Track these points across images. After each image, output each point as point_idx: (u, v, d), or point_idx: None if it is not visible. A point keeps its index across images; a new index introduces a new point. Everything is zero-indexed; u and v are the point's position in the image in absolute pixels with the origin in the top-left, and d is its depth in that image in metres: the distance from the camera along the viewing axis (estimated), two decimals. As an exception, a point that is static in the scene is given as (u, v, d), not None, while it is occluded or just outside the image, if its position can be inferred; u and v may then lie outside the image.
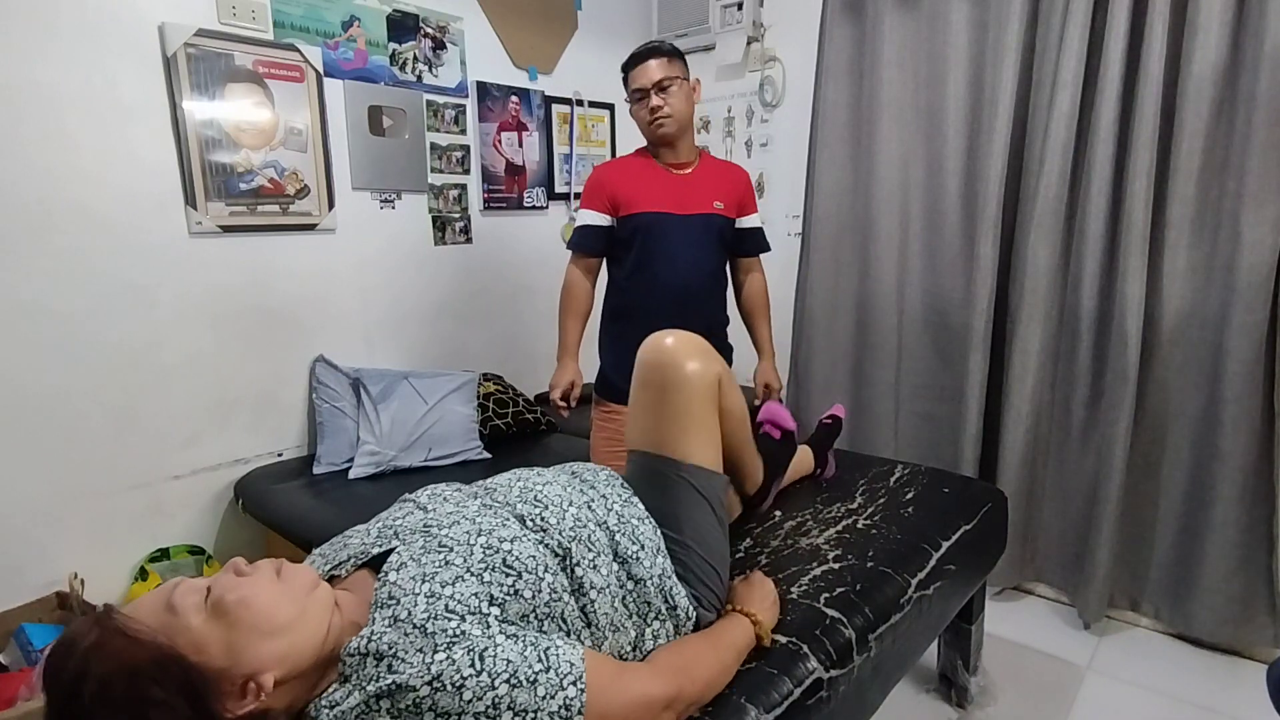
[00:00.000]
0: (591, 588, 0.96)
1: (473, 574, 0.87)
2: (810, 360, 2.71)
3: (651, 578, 1.04)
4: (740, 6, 2.94)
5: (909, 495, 1.69)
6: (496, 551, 0.90)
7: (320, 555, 1.00)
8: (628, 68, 1.85)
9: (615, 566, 1.01)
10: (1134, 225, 1.97)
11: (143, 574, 2.03)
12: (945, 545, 1.50)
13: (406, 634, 0.79)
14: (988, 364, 2.30)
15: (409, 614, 0.81)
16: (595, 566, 0.99)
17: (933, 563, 1.44)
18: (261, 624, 0.77)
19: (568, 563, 0.96)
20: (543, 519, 1.00)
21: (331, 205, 2.35)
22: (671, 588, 1.06)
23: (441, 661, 0.77)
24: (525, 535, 0.95)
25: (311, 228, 2.31)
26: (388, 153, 2.48)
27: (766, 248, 2.06)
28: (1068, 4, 2.02)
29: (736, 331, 2.08)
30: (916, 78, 2.40)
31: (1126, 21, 1.94)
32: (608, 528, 1.05)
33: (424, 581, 0.85)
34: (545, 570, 0.92)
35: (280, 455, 2.35)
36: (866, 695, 1.25)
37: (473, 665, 0.77)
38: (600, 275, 1.99)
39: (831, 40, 2.56)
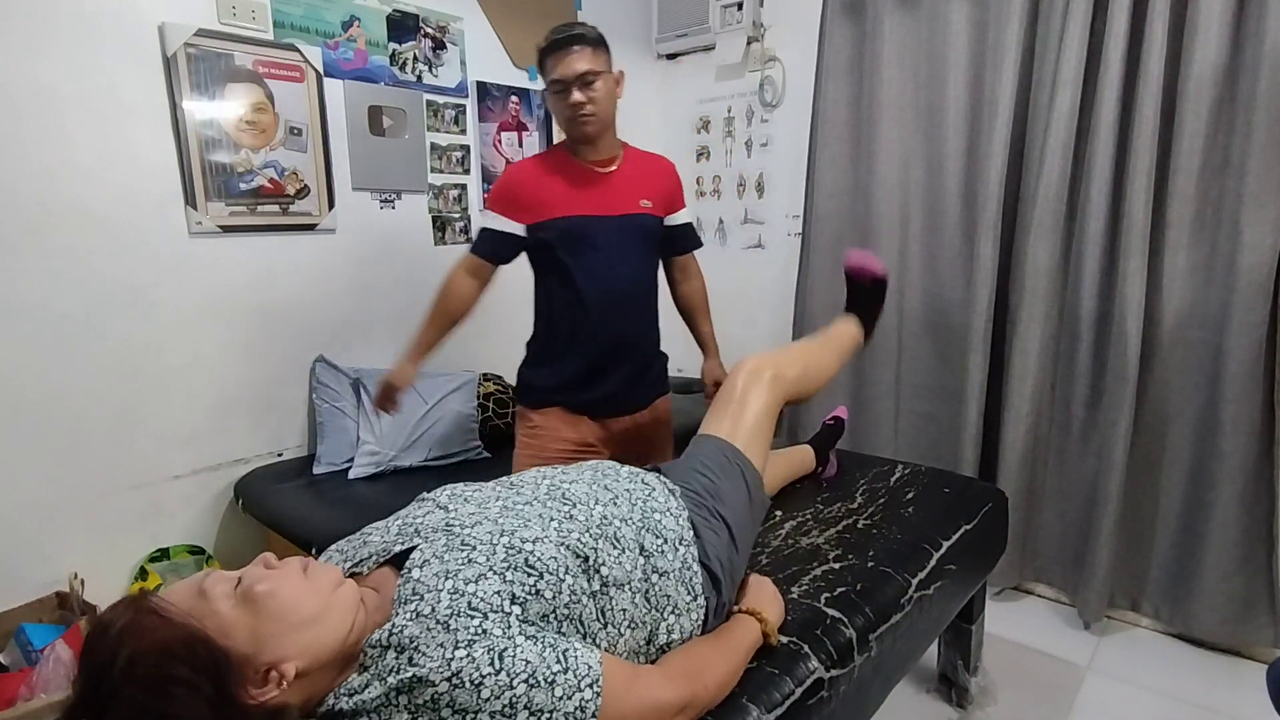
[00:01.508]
0: (614, 584, 0.97)
1: (495, 573, 0.87)
2: (810, 360, 2.71)
3: (674, 569, 1.06)
4: (740, 6, 2.94)
5: (909, 495, 1.69)
6: (519, 552, 0.91)
7: (339, 551, 1.01)
8: (546, 53, 1.67)
9: (641, 561, 1.03)
10: (1134, 225, 1.97)
11: (143, 574, 2.02)
12: (946, 545, 1.50)
13: (429, 629, 0.80)
14: (988, 364, 2.30)
15: (432, 609, 0.82)
16: (620, 563, 0.99)
17: (933, 562, 1.44)
18: (287, 614, 0.80)
19: (590, 564, 0.96)
20: (570, 516, 1.01)
21: (331, 205, 2.35)
22: (691, 578, 1.08)
23: (462, 659, 0.78)
24: (547, 536, 0.96)
25: (311, 228, 2.31)
26: (388, 153, 2.48)
27: (698, 243, 1.94)
28: (1068, 4, 2.02)
29: (679, 335, 2.00)
30: (916, 78, 2.40)
31: (1126, 21, 1.94)
32: (633, 523, 1.06)
33: (447, 578, 0.86)
34: (566, 572, 0.93)
35: (280, 455, 2.35)
36: (867, 695, 1.25)
37: (492, 664, 0.78)
38: (521, 285, 1.82)
39: (831, 40, 2.56)
